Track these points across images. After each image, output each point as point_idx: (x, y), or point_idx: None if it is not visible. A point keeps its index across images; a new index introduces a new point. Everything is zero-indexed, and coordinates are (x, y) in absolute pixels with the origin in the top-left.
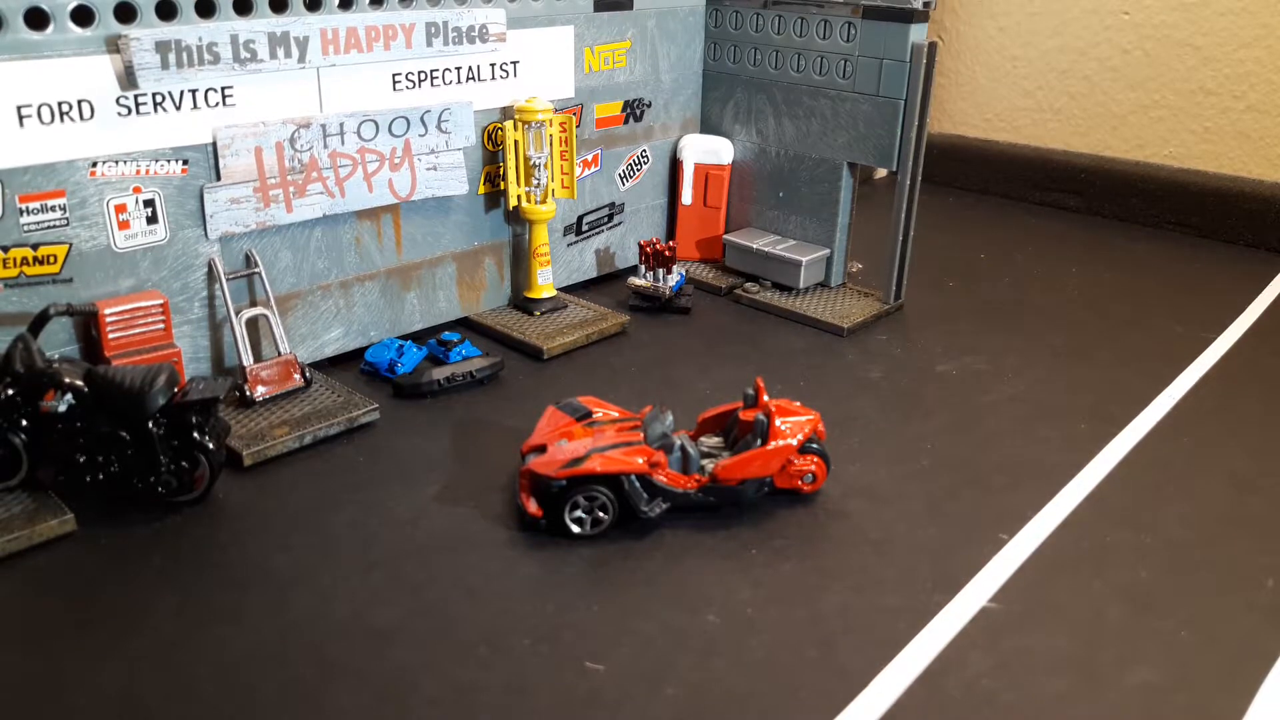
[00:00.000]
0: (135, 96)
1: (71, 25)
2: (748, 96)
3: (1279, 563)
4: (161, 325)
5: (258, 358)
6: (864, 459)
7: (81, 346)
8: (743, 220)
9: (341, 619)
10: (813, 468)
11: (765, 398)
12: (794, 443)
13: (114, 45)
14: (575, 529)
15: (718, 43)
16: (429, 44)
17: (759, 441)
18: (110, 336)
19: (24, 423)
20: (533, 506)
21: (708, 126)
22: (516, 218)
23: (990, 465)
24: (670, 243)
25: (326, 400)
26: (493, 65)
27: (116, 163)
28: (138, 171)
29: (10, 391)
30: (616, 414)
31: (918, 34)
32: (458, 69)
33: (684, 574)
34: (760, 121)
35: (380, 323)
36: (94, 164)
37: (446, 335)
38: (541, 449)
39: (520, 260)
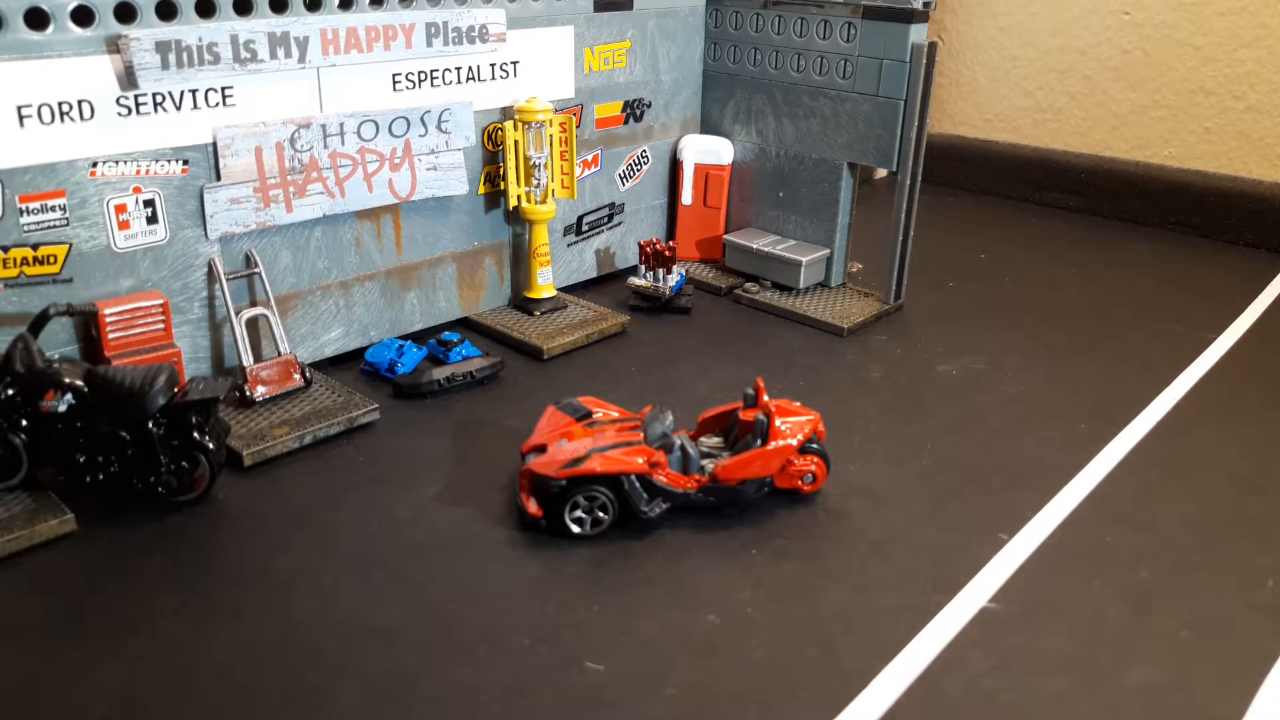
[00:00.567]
0: (135, 96)
1: (71, 25)
2: (748, 96)
3: (1279, 562)
4: (161, 325)
5: (258, 358)
6: (864, 459)
7: (81, 346)
8: (743, 220)
9: (342, 619)
10: (813, 468)
11: (765, 398)
12: (794, 443)
13: (114, 45)
14: (575, 529)
15: (718, 43)
16: (429, 44)
17: (759, 441)
18: (110, 336)
19: (24, 423)
20: (533, 506)
21: (708, 126)
22: (516, 218)
23: (990, 465)
24: (670, 243)
25: (326, 400)
26: (493, 65)
27: (116, 163)
28: (138, 171)
29: (10, 391)
30: (616, 414)
31: (918, 34)
32: (458, 69)
33: (684, 574)
34: (760, 121)
35: (380, 323)
36: (94, 164)
37: (446, 335)
38: (541, 449)
39: (520, 260)
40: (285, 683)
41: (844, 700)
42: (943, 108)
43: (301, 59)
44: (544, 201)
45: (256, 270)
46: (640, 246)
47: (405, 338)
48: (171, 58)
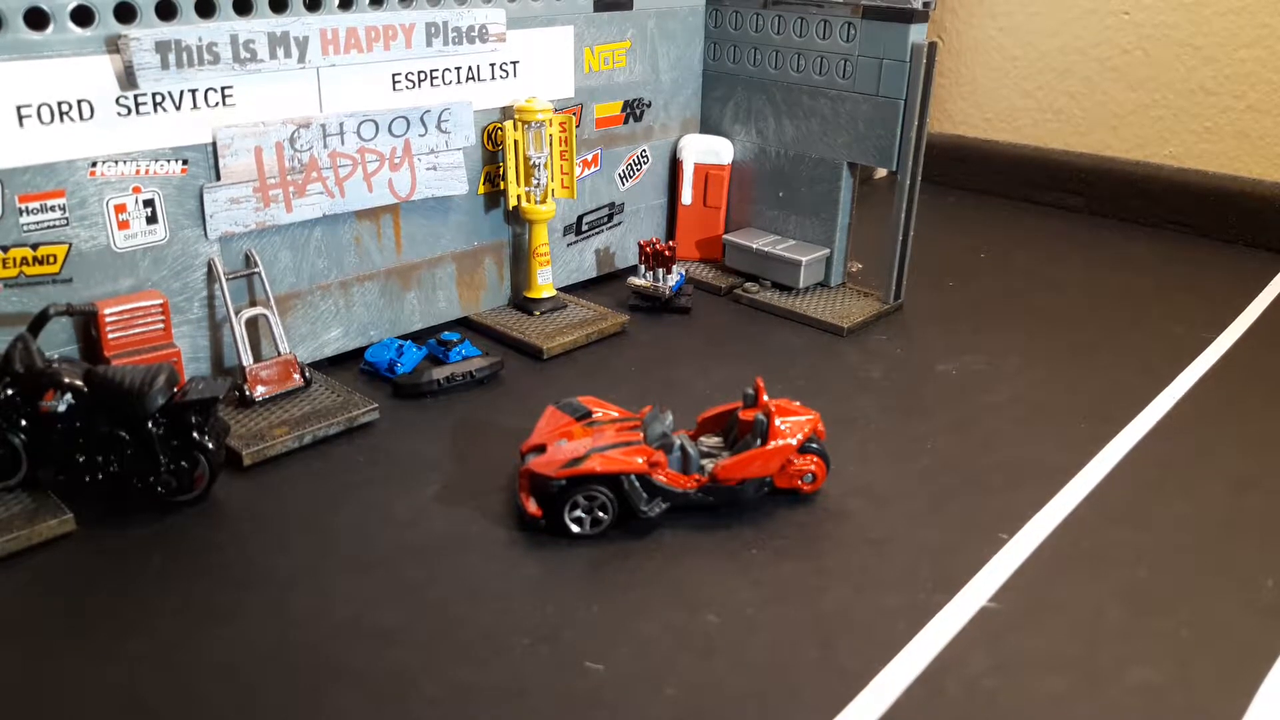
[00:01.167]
0: (135, 96)
1: (71, 25)
2: (747, 96)
3: (1279, 562)
4: (161, 325)
5: (257, 357)
6: (864, 459)
7: (81, 346)
8: (743, 220)
9: (341, 619)
10: (812, 467)
11: (765, 397)
12: (793, 442)
13: (114, 45)
14: (575, 529)
15: (718, 43)
16: (429, 44)
17: (758, 441)
18: (110, 336)
19: (24, 423)
20: (532, 506)
21: (708, 126)
22: (516, 217)
23: (990, 465)
24: (670, 242)
25: (326, 400)
26: (492, 65)
27: (116, 163)
28: (137, 171)
29: (10, 391)
30: (616, 414)
31: (917, 34)
32: (457, 69)
33: (684, 574)
34: (760, 121)
35: (380, 322)
36: (94, 164)
37: (446, 335)
38: (541, 449)
39: (520, 260)
40: (285, 683)
41: (844, 700)
42: (943, 107)
43: (301, 59)
44: (544, 201)
45: (256, 270)
46: (640, 246)
47: (405, 337)
48: (171, 57)
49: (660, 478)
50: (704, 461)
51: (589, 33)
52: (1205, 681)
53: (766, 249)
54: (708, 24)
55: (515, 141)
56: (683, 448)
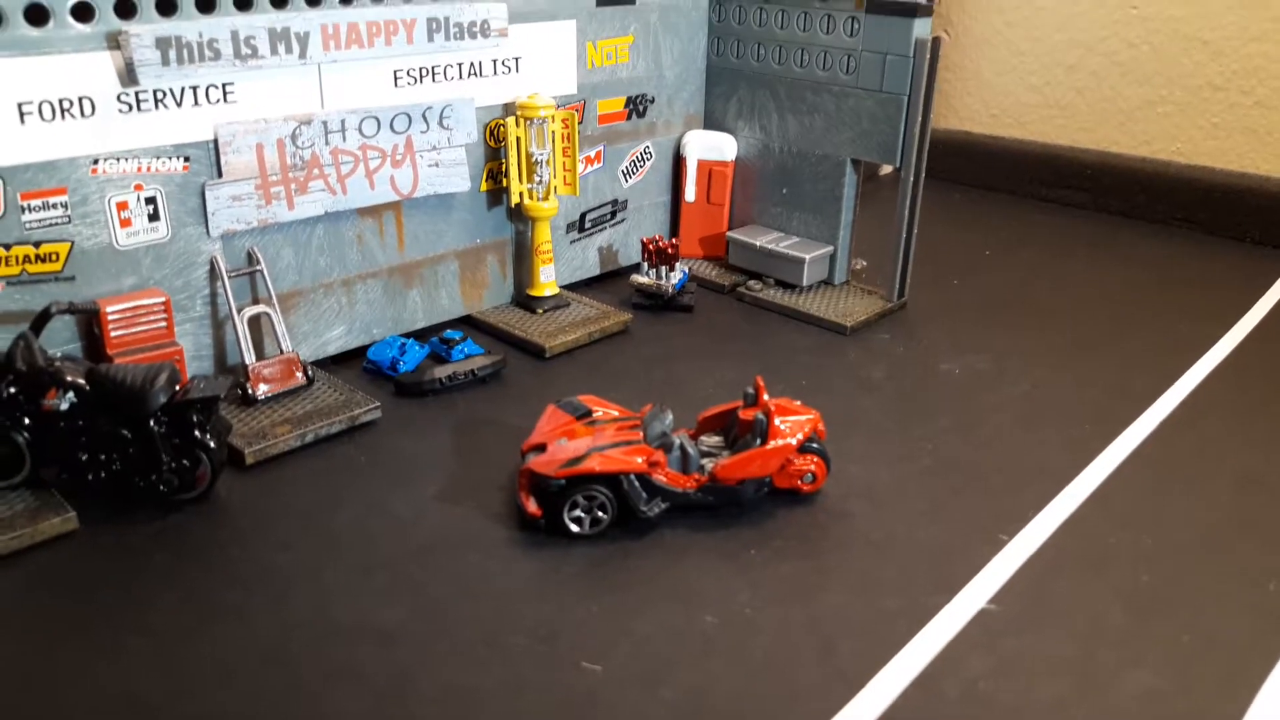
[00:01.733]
0: (136, 93)
1: (72, 21)
2: (751, 92)
3: None
4: (163, 323)
5: (260, 356)
6: (865, 459)
7: (84, 345)
8: (746, 217)
9: (342, 619)
10: (812, 467)
11: (765, 397)
12: (793, 442)
13: (114, 42)
14: (574, 528)
15: (721, 37)
16: (430, 39)
17: (758, 441)
18: (112, 335)
19: (26, 421)
20: (532, 506)
21: (711, 122)
22: (519, 215)
23: (992, 465)
24: (673, 240)
25: (328, 399)
26: (495, 61)
27: (118, 160)
28: (139, 169)
29: (12, 390)
30: (617, 413)
31: (921, 28)
32: (459, 65)
33: (683, 574)
34: (764, 117)
35: (383, 321)
36: (95, 161)
37: (449, 333)
38: (542, 448)
39: (523, 257)
40: (286, 682)
41: (841, 702)
42: (949, 103)
43: (302, 55)
44: (546, 198)
45: (258, 268)
46: (643, 244)
47: (408, 336)
48: (172, 54)
49: (660, 477)
50: (704, 461)
51: (591, 27)
52: (1205, 685)
53: (770, 246)
54: (711, 18)
55: (517, 138)
56: (682, 447)
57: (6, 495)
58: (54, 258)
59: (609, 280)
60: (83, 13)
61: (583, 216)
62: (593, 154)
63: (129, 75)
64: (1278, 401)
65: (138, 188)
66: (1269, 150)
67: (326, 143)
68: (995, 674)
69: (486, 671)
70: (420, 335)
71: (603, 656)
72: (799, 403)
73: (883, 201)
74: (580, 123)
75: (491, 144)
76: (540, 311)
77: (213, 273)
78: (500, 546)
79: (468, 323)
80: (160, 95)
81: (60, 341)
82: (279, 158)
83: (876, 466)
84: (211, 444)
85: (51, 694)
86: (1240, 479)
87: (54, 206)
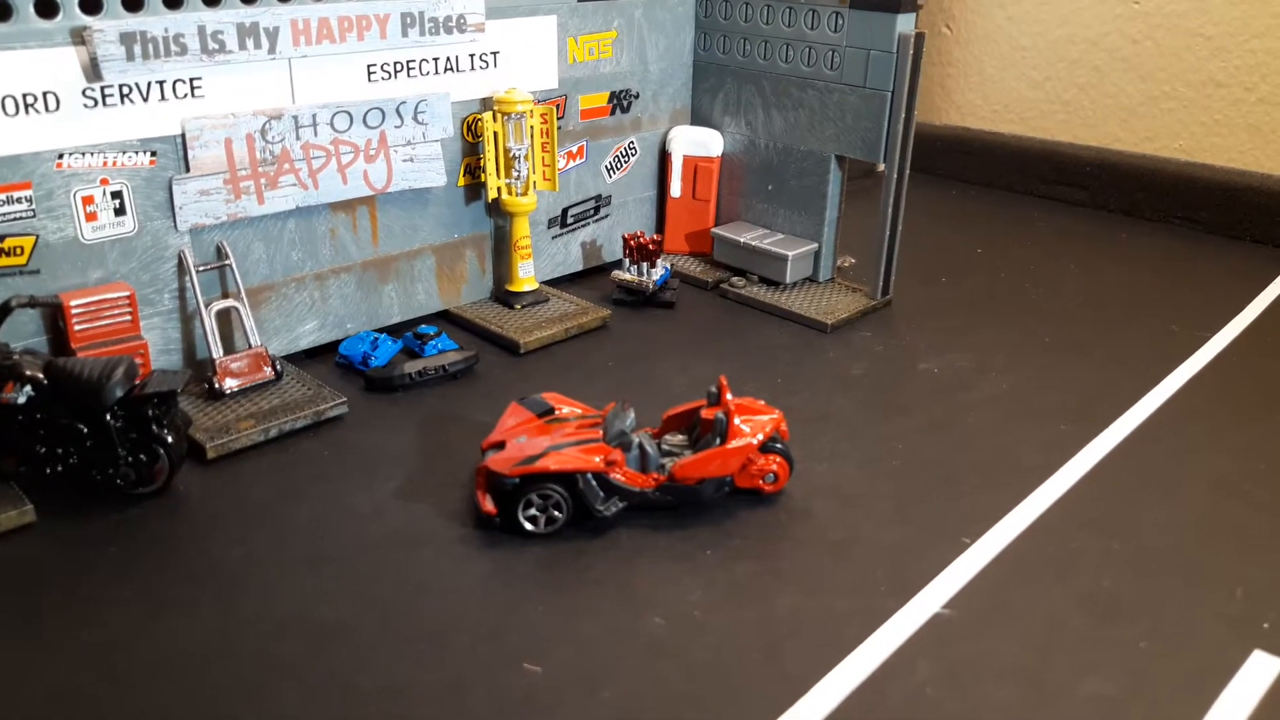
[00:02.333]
0: (101, 88)
1: (35, 17)
2: (737, 87)
3: (1252, 572)
4: (128, 317)
5: (230, 350)
6: (833, 458)
7: (50, 338)
8: (733, 213)
9: (288, 614)
10: (775, 467)
11: (728, 396)
12: (754, 442)
13: (79, 37)
14: (529, 527)
15: (708, 33)
16: (404, 34)
17: (718, 440)
18: (76, 329)
19: None
20: (488, 504)
21: (698, 118)
22: (498, 210)
23: (964, 466)
24: (654, 236)
25: (296, 393)
26: (472, 56)
27: (83, 154)
28: (105, 163)
29: None
30: (580, 411)
31: (905, 24)
32: (435, 59)
33: (636, 574)
34: (750, 113)
35: (357, 315)
36: (60, 156)
37: (423, 328)
38: (502, 445)
39: (502, 253)
40: (227, 678)
41: (783, 706)
42: (950, 98)
43: (272, 50)
44: (524, 194)
45: (227, 262)
46: (624, 240)
47: (383, 331)
48: (137, 49)
49: (617, 476)
50: (664, 460)
51: (573, 23)
52: (1160, 694)
53: (753, 243)
54: (698, 13)
55: (495, 133)
56: (641, 446)
57: None
58: (18, 251)
59: (593, 276)
60: (46, 8)
61: (564, 212)
62: (575, 149)
63: (93, 71)
64: (1261, 407)
65: (103, 182)
66: (1272, 148)
67: (297, 137)
68: (943, 680)
69: (425, 670)
70: (396, 330)
71: (545, 657)
72: (762, 402)
73: (878, 199)
74: (561, 118)
75: (469, 139)
76: (519, 307)
77: (181, 267)
78: (454, 544)
79: (445, 318)
80: (126, 90)
81: (26, 335)
82: (248, 152)
83: (844, 466)
84: (169, 438)
85: None
86: (1216, 485)
87: (18, 201)
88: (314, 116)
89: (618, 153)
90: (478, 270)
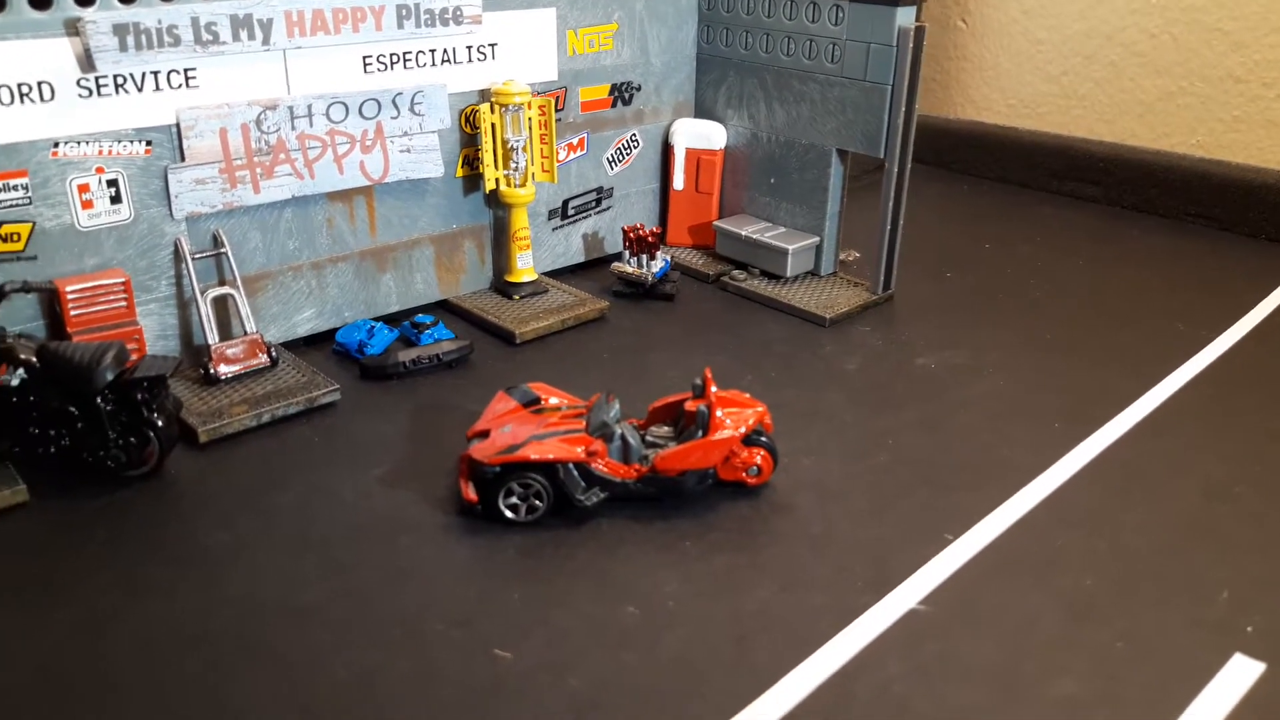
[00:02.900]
0: (96, 78)
1: (29, 9)
2: (740, 80)
3: (1236, 575)
4: (124, 303)
5: (226, 336)
6: (821, 452)
7: (47, 323)
8: (736, 206)
9: (267, 598)
10: (758, 460)
11: (713, 388)
12: (736, 434)
13: (73, 28)
14: (509, 515)
15: (711, 25)
16: (400, 26)
17: (700, 433)
18: (72, 314)
19: None
20: (470, 492)
21: (702, 110)
22: (497, 201)
23: (952, 463)
24: (655, 228)
25: (290, 380)
26: (469, 48)
27: (78, 143)
28: (100, 152)
29: None
30: (565, 401)
31: (905, 17)
32: (432, 51)
33: (613, 565)
34: (752, 106)
35: (355, 304)
36: (56, 144)
37: (420, 318)
38: (486, 434)
39: (501, 244)
40: (203, 661)
41: (746, 699)
42: (965, 93)
43: (266, 41)
44: (523, 185)
45: (223, 250)
46: (624, 232)
47: (381, 319)
48: (130, 40)
49: (599, 467)
50: (647, 452)
51: (573, 15)
52: (1131, 697)
53: (755, 236)
54: (701, 6)
55: (492, 124)
56: (624, 437)
57: None
58: (15, 238)
59: (594, 268)
60: (40, 0)
61: (565, 203)
62: (575, 141)
63: (87, 61)
64: (1257, 410)
65: (99, 170)
66: None
67: (293, 128)
68: (911, 677)
69: (397, 656)
70: (394, 319)
71: (515, 644)
72: (747, 395)
73: None
74: (561, 110)
75: (467, 130)
76: (517, 298)
77: (177, 254)
78: (436, 531)
79: (443, 307)
80: (120, 80)
81: (24, 320)
82: (243, 142)
83: (831, 460)
84: (159, 422)
85: None
86: (1206, 487)
87: (14, 188)
88: (309, 107)
89: (619, 145)
90: (476, 261)
